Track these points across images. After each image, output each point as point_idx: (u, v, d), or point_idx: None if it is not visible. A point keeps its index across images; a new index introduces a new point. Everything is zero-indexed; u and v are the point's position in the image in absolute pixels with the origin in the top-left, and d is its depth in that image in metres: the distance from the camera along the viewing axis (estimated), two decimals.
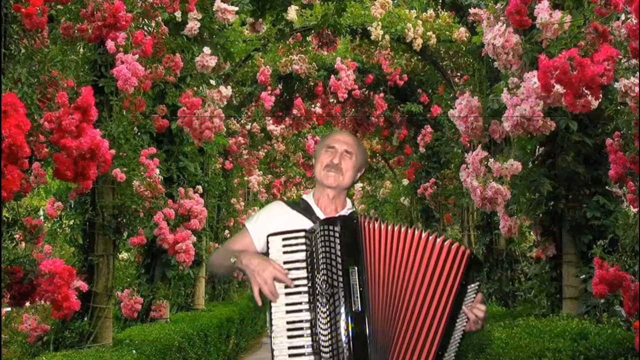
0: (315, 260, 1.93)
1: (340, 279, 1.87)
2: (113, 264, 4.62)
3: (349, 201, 2.30)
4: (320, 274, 1.90)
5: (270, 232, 2.03)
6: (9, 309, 4.86)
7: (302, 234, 1.98)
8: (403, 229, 1.94)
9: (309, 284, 1.93)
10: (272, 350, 1.91)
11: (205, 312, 7.14)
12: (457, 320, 1.94)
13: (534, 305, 5.08)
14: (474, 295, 1.99)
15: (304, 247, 1.96)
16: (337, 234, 1.91)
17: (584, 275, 4.26)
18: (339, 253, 1.89)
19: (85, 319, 4.33)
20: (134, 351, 4.08)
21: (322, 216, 2.18)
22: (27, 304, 3.09)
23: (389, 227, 1.94)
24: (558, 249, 4.55)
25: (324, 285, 1.89)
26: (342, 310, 1.85)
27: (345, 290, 1.86)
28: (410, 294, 1.90)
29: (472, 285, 1.99)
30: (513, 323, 4.32)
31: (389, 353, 1.88)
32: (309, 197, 2.28)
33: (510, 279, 6.44)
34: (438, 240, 1.93)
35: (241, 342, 8.51)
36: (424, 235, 1.94)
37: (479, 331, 2.07)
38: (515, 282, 6.48)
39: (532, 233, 5.17)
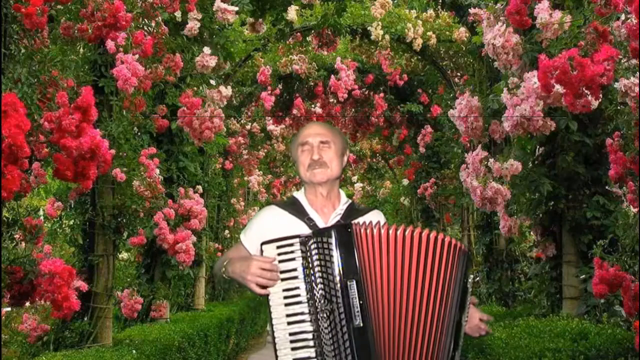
0: (312, 272, 1.87)
1: (339, 293, 1.80)
2: (113, 264, 4.62)
3: (342, 193, 2.25)
4: (318, 287, 1.85)
5: (264, 240, 1.97)
6: (9, 309, 4.86)
7: (297, 240, 1.92)
8: (399, 232, 1.85)
9: (308, 295, 1.87)
10: None
11: (205, 312, 7.13)
12: (463, 317, 1.92)
13: (534, 305, 5.07)
14: (471, 289, 1.96)
15: (299, 254, 1.90)
16: (331, 246, 1.83)
17: (584, 275, 4.25)
18: (335, 267, 1.82)
19: (85, 319, 4.33)
20: (134, 351, 4.08)
21: (316, 217, 2.13)
22: (27, 304, 3.09)
23: (383, 232, 1.85)
24: (558, 249, 4.54)
25: (323, 301, 1.83)
26: (343, 326, 1.79)
27: (344, 305, 1.79)
28: (414, 299, 1.83)
29: (469, 279, 1.95)
30: (513, 323, 4.32)
31: None
32: (300, 196, 2.20)
33: (510, 279, 6.44)
34: (432, 238, 1.86)
35: (241, 342, 8.51)
36: (415, 233, 1.86)
37: (481, 336, 2.04)
38: (515, 282, 6.47)
39: (532, 233, 5.16)
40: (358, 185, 15.80)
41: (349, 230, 1.86)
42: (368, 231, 1.86)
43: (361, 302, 1.79)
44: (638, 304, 2.82)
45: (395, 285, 1.83)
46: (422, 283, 1.84)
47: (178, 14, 4.48)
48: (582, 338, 3.54)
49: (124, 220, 4.60)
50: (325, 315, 1.83)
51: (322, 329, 1.83)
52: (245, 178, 11.46)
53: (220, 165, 9.24)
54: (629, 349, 3.27)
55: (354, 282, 1.80)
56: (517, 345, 3.61)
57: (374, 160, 14.06)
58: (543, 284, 4.75)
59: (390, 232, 1.86)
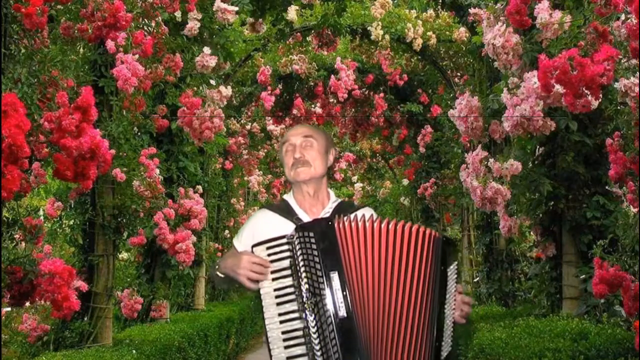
0: (298, 268, 1.89)
1: (323, 285, 1.82)
2: (113, 264, 4.62)
3: (332, 192, 2.26)
4: (304, 282, 1.86)
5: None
6: (9, 309, 4.86)
7: (284, 239, 1.93)
8: (376, 224, 1.88)
9: (297, 292, 1.89)
10: None
11: (205, 312, 7.14)
12: (446, 306, 1.93)
13: (534, 305, 5.07)
14: (456, 277, 1.97)
15: (288, 253, 1.92)
16: (312, 240, 1.85)
17: (584, 275, 4.25)
18: (317, 260, 1.84)
19: (85, 319, 4.33)
20: (134, 351, 4.08)
21: (304, 216, 2.15)
22: (27, 304, 3.10)
23: (367, 225, 1.88)
24: (558, 249, 4.54)
25: (308, 294, 1.85)
26: (328, 317, 1.81)
27: (328, 297, 1.81)
28: (397, 289, 1.85)
29: (451, 267, 1.96)
30: (513, 323, 4.32)
31: (384, 355, 1.83)
32: (289, 197, 2.22)
33: (510, 279, 6.44)
34: (406, 228, 1.88)
35: (241, 342, 8.51)
36: (391, 225, 1.88)
37: (464, 324, 2.04)
38: (515, 282, 6.48)
39: (532, 233, 5.16)
40: (358, 185, 15.80)
41: (330, 223, 1.88)
42: (352, 224, 1.88)
43: (344, 293, 1.81)
44: (638, 304, 2.82)
45: (379, 276, 1.85)
46: (403, 273, 1.86)
47: (178, 14, 4.49)
48: (582, 338, 3.54)
49: (124, 220, 4.60)
50: (310, 308, 1.84)
51: (310, 325, 1.85)
52: (245, 178, 11.46)
53: (220, 165, 9.24)
54: (629, 349, 3.27)
55: (337, 273, 1.83)
56: (517, 345, 3.61)
57: (374, 160, 14.07)
58: (543, 284, 4.75)
59: (373, 225, 1.88)
